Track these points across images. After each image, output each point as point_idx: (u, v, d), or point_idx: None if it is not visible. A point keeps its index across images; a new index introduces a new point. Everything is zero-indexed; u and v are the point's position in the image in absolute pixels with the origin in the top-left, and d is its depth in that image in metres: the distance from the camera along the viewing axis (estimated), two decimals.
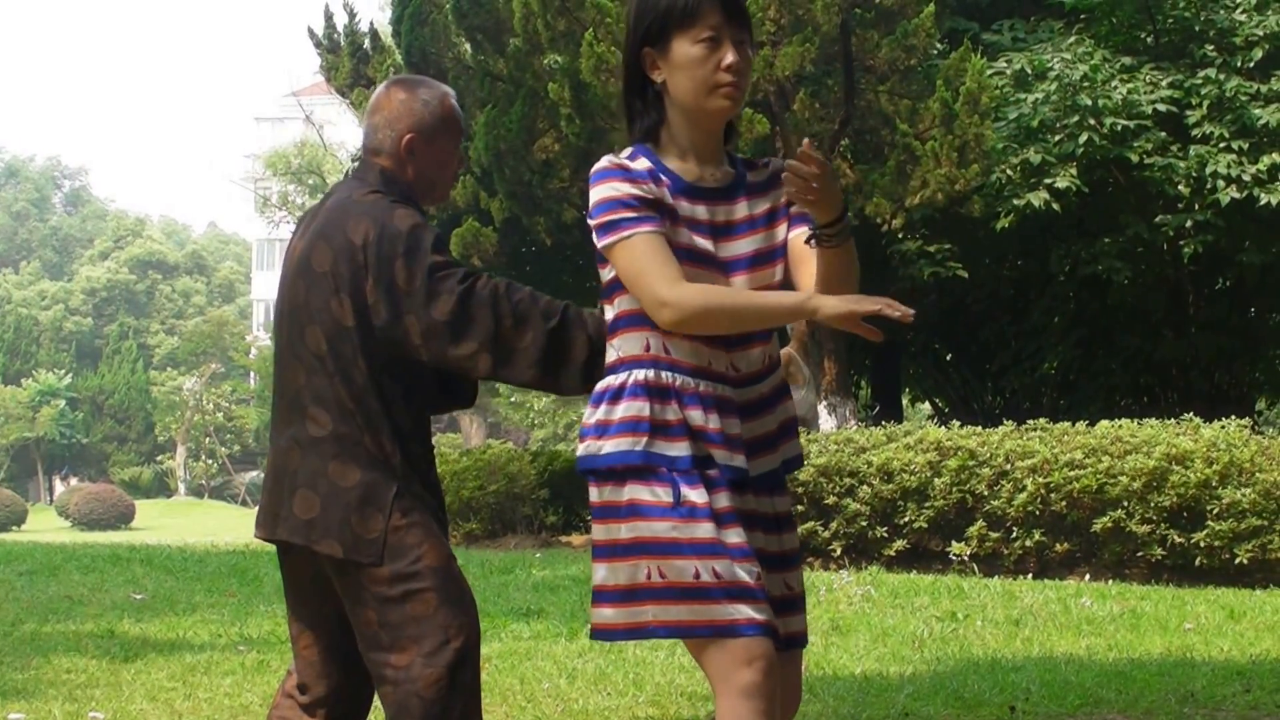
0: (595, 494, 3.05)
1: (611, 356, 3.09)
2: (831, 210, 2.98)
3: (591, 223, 3.07)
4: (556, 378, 3.41)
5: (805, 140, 3.00)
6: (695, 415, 3.01)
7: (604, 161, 3.07)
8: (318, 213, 3.60)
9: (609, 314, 3.11)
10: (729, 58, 3.03)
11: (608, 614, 3.01)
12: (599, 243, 3.05)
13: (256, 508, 3.64)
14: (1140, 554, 11.83)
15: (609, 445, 3.00)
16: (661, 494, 2.97)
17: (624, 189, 3.01)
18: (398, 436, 3.47)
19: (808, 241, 3.06)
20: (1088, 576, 11.75)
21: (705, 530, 2.96)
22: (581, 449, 3.05)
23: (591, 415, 3.06)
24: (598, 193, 3.04)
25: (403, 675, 3.38)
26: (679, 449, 2.99)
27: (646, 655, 7.24)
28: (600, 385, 3.07)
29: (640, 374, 3.02)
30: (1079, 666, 6.96)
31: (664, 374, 3.01)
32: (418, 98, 3.60)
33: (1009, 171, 15.28)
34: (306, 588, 3.58)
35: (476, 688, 3.44)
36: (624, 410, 3.00)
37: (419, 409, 3.53)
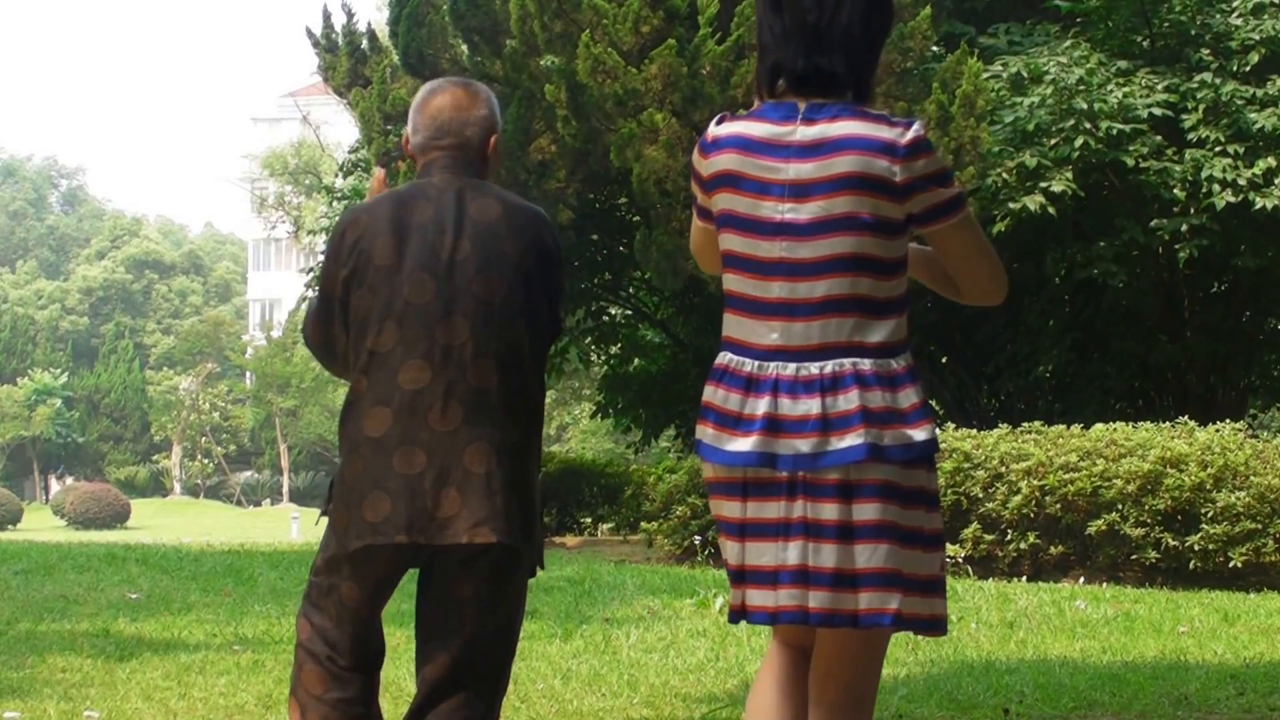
0: (927, 480, 2.97)
1: (901, 334, 2.98)
2: None
3: (952, 189, 2.98)
4: None
5: None
6: None
7: (924, 129, 2.99)
8: (441, 199, 3.56)
9: (891, 292, 2.97)
10: None
11: (894, 600, 2.92)
12: (958, 213, 2.98)
13: (385, 511, 3.43)
14: (1134, 557, 11.85)
15: (934, 429, 2.97)
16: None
17: None
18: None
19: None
20: (1082, 579, 11.77)
21: None
22: (924, 433, 2.93)
23: (909, 397, 2.94)
24: (941, 161, 2.99)
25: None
26: None
27: (640, 657, 7.24)
28: (900, 364, 2.96)
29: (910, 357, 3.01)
30: (1073, 669, 6.97)
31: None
32: (492, 103, 3.72)
33: (1005, 175, 15.28)
34: (391, 583, 3.62)
35: None
36: (922, 391, 2.99)
37: None
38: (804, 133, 2.96)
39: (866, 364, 2.91)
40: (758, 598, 2.96)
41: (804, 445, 2.89)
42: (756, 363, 2.96)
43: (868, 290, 2.93)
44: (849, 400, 2.89)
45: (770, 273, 2.96)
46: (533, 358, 3.53)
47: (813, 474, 2.90)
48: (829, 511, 2.89)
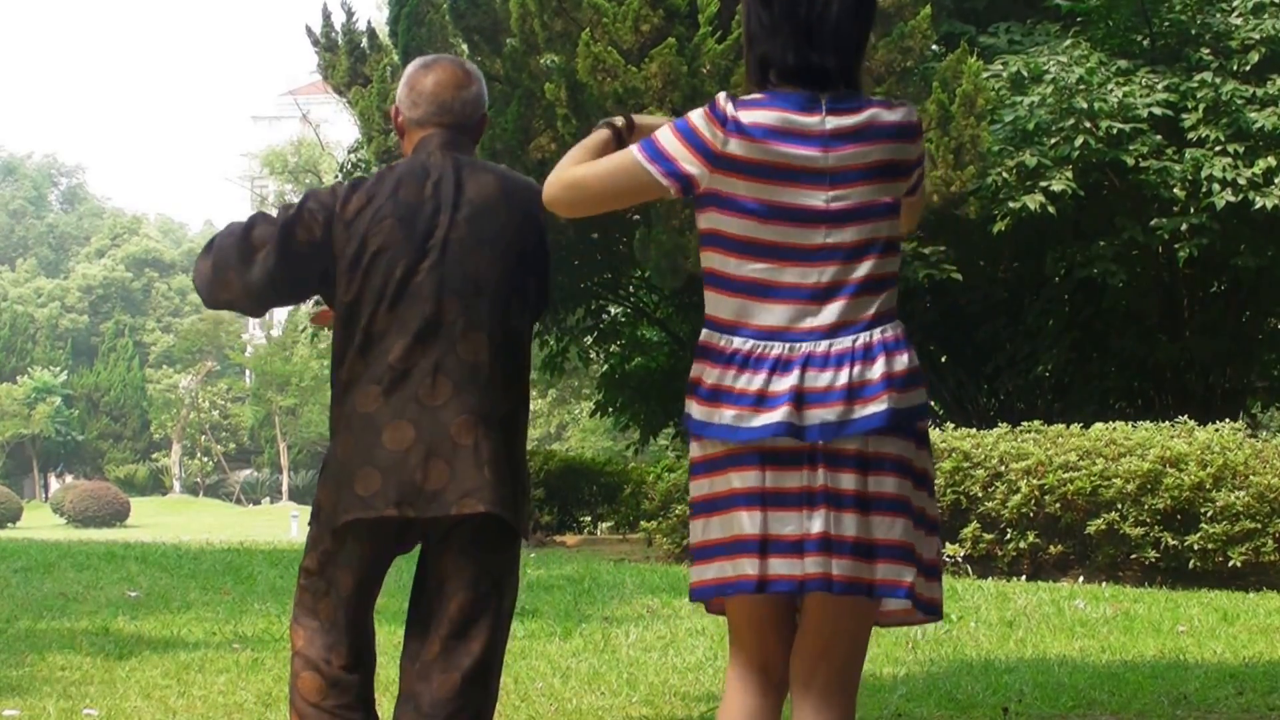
0: (930, 464, 3.05)
1: (890, 305, 3.04)
2: None
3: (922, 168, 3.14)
4: None
5: None
6: None
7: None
8: (440, 177, 3.59)
9: (889, 268, 3.05)
10: None
11: (909, 574, 2.98)
12: (924, 180, 3.15)
13: (375, 485, 3.46)
14: (1134, 556, 11.85)
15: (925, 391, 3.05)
16: None
17: None
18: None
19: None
20: (1081, 579, 11.77)
21: None
22: (922, 397, 3.00)
23: (909, 360, 3.01)
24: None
25: (499, 627, 3.61)
26: None
27: (639, 656, 7.25)
28: (900, 328, 3.02)
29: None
30: (1072, 668, 6.98)
31: None
32: (482, 81, 3.77)
33: (1005, 174, 15.27)
34: (382, 565, 3.63)
35: None
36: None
37: None
38: (833, 122, 3.00)
39: (887, 332, 2.99)
40: (783, 567, 2.94)
41: (830, 414, 2.93)
42: (786, 345, 2.97)
43: (890, 268, 3.05)
44: (875, 369, 2.95)
45: (810, 259, 2.99)
46: (523, 334, 3.59)
47: (831, 444, 2.93)
48: (847, 481, 2.93)
